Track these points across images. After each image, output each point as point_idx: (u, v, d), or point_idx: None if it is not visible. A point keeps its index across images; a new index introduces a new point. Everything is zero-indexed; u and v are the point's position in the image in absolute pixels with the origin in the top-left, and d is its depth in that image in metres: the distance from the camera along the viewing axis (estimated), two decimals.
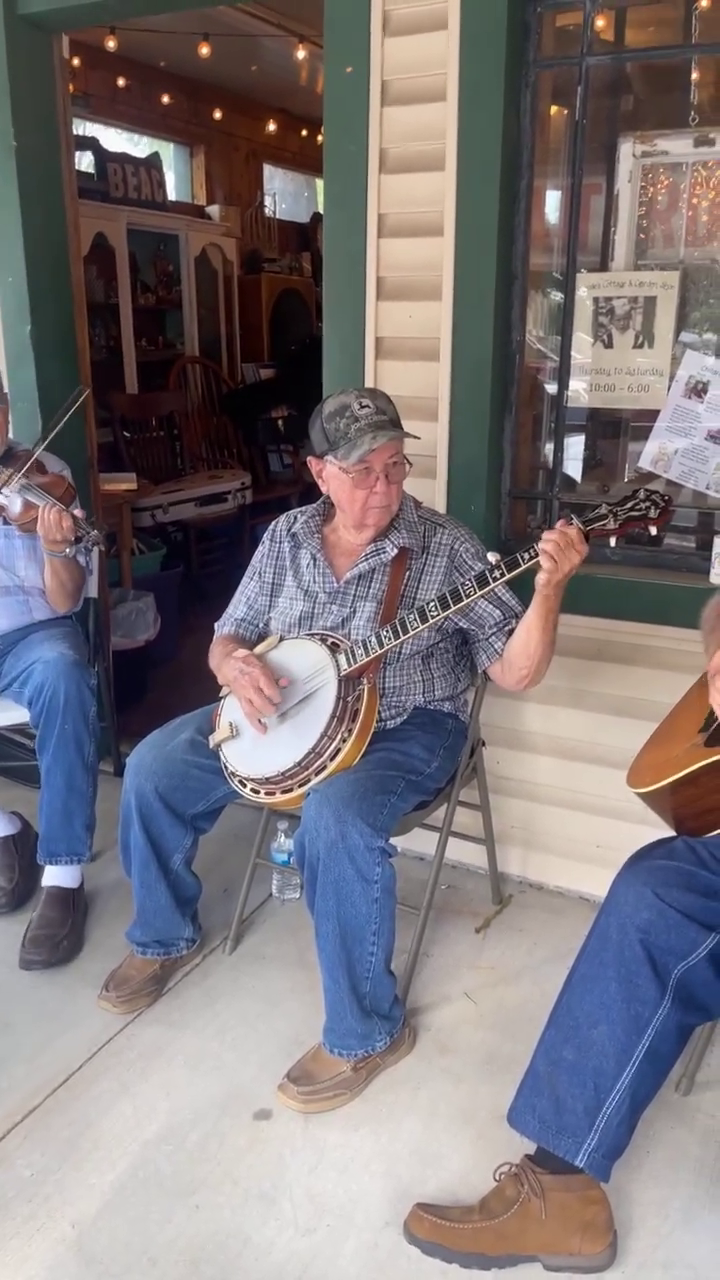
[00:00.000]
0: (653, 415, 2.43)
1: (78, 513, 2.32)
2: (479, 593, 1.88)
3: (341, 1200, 1.77)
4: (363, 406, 1.97)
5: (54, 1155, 1.85)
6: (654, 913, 1.53)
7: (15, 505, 2.35)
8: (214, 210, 6.55)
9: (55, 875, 2.47)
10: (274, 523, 2.26)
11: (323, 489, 2.10)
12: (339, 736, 1.93)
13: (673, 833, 1.70)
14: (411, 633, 1.93)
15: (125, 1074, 2.05)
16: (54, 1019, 2.20)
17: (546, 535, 1.80)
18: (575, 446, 2.66)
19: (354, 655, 1.97)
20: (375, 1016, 1.98)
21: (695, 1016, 1.59)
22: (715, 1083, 2.02)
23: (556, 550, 1.78)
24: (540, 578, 1.83)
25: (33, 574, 2.54)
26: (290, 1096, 1.96)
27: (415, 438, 2.02)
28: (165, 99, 6.11)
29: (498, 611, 2.07)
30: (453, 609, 1.90)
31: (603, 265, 2.51)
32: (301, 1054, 2.04)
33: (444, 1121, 1.94)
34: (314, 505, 2.22)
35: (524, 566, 1.84)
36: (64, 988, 2.30)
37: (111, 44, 5.15)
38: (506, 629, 2.05)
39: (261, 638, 2.19)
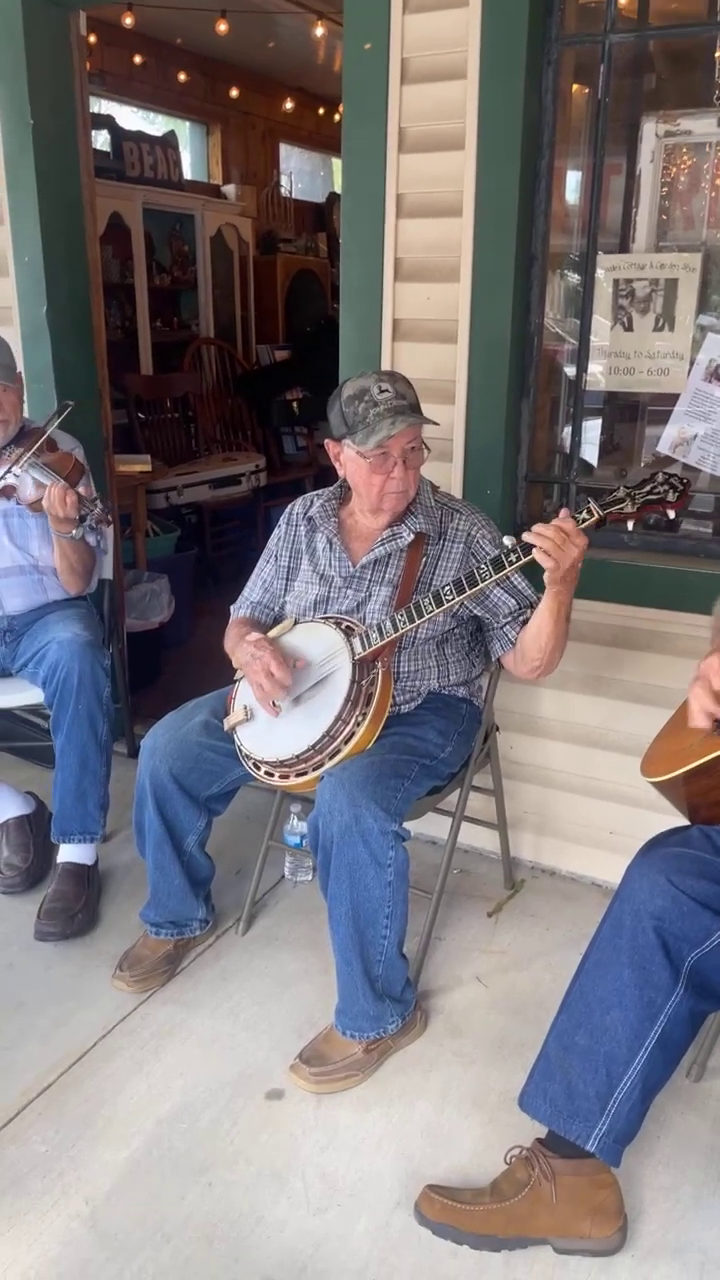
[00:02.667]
0: (672, 399, 2.40)
1: (82, 490, 2.31)
2: (494, 577, 1.87)
3: (353, 1180, 1.78)
4: (382, 391, 1.96)
5: (68, 1132, 1.87)
6: (668, 900, 1.53)
7: (27, 484, 2.36)
8: (230, 190, 6.51)
9: (70, 852, 2.48)
10: (290, 506, 2.26)
11: (340, 472, 2.09)
12: (353, 720, 1.93)
13: (687, 821, 1.70)
14: (426, 617, 1.92)
15: (139, 1053, 2.06)
16: (68, 998, 2.21)
17: (539, 531, 1.75)
18: (593, 431, 2.64)
19: (369, 639, 1.96)
20: (387, 999, 1.99)
21: (708, 1004, 1.59)
22: None
23: (553, 548, 1.75)
24: (546, 575, 1.82)
25: (47, 554, 2.54)
26: (302, 1077, 1.97)
27: (434, 424, 2.00)
28: (182, 77, 6.07)
29: (512, 600, 2.06)
30: (468, 593, 1.89)
31: (623, 247, 2.48)
32: (314, 1035, 2.06)
33: (455, 1104, 1.95)
34: (330, 488, 2.21)
35: None
36: (78, 967, 2.31)
37: (128, 21, 5.11)
38: (521, 618, 2.04)
39: (277, 621, 2.19)
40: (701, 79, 2.36)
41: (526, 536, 1.77)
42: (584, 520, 1.79)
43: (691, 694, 1.52)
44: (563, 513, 1.79)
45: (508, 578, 1.92)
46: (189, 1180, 1.78)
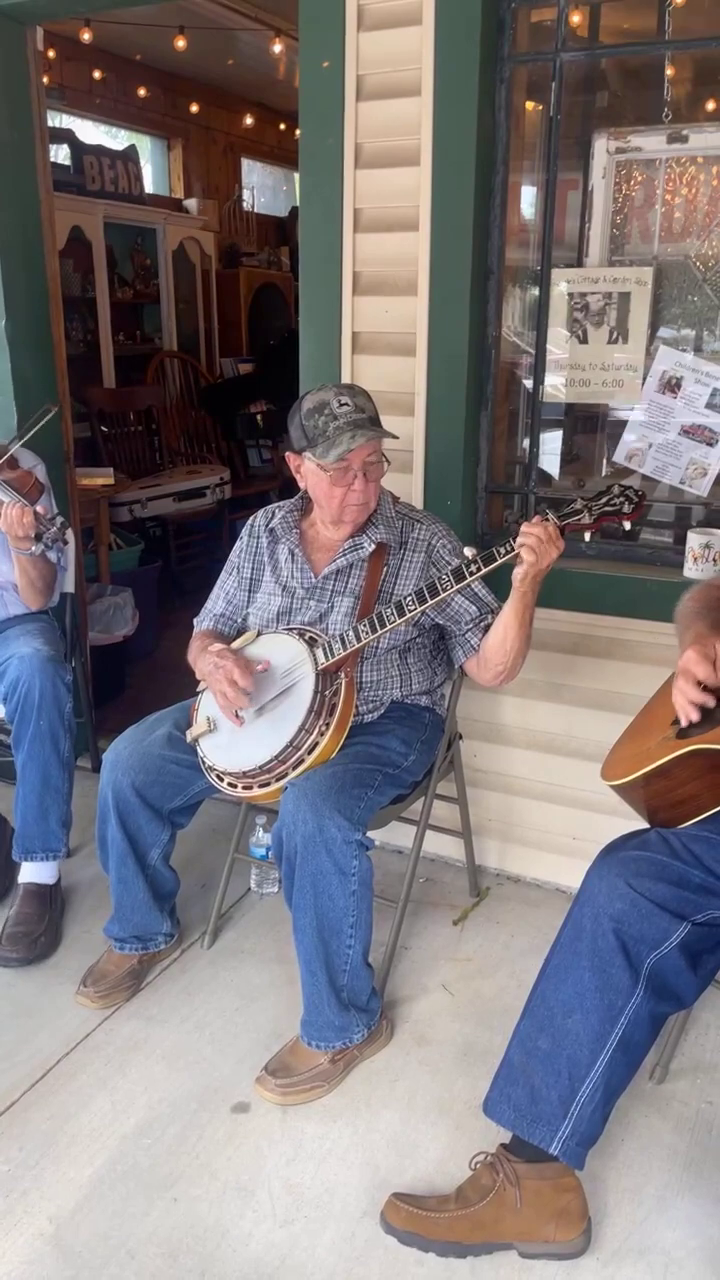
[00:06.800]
0: (628, 410, 2.44)
1: (40, 509, 2.30)
2: (455, 587, 1.89)
3: (319, 1191, 1.78)
4: (342, 404, 1.97)
5: (32, 1150, 1.85)
6: (627, 903, 1.55)
7: None
8: (192, 204, 6.52)
9: (32, 872, 2.46)
10: (252, 518, 2.26)
11: (301, 484, 2.10)
12: (316, 730, 1.93)
13: (646, 825, 1.72)
14: (389, 627, 1.93)
15: (103, 1069, 2.05)
16: (31, 1015, 2.19)
17: (526, 528, 1.81)
18: (551, 441, 2.67)
19: (331, 649, 1.97)
20: (353, 1009, 1.99)
21: (668, 1005, 1.61)
22: (689, 1071, 2.04)
23: (538, 544, 1.80)
24: (518, 572, 1.85)
25: (6, 570, 2.52)
26: (268, 1089, 1.96)
27: (394, 437, 2.02)
28: (142, 92, 6.08)
29: (474, 607, 2.08)
30: (430, 603, 1.91)
31: (578, 261, 2.52)
32: (279, 1047, 2.05)
33: (421, 1112, 1.95)
34: (292, 500, 2.22)
35: (500, 561, 1.85)
36: (41, 983, 2.29)
37: (87, 36, 5.12)
38: (483, 625, 2.07)
39: (240, 633, 2.19)
40: (651, 97, 2.40)
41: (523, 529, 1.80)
42: None
43: (675, 690, 1.54)
44: (541, 516, 1.82)
45: (469, 586, 1.95)
46: (154, 1196, 1.76)
